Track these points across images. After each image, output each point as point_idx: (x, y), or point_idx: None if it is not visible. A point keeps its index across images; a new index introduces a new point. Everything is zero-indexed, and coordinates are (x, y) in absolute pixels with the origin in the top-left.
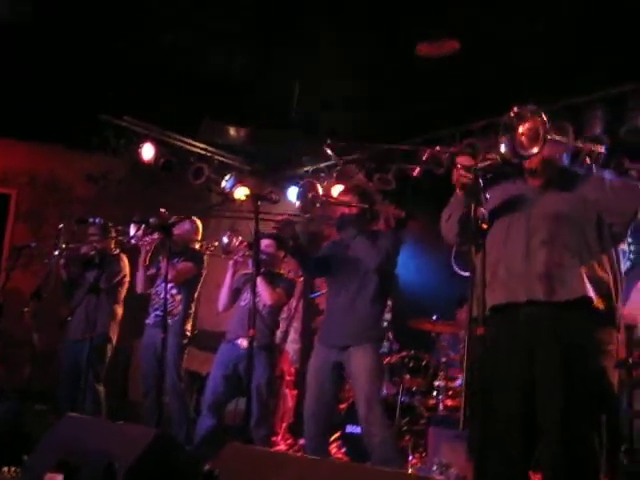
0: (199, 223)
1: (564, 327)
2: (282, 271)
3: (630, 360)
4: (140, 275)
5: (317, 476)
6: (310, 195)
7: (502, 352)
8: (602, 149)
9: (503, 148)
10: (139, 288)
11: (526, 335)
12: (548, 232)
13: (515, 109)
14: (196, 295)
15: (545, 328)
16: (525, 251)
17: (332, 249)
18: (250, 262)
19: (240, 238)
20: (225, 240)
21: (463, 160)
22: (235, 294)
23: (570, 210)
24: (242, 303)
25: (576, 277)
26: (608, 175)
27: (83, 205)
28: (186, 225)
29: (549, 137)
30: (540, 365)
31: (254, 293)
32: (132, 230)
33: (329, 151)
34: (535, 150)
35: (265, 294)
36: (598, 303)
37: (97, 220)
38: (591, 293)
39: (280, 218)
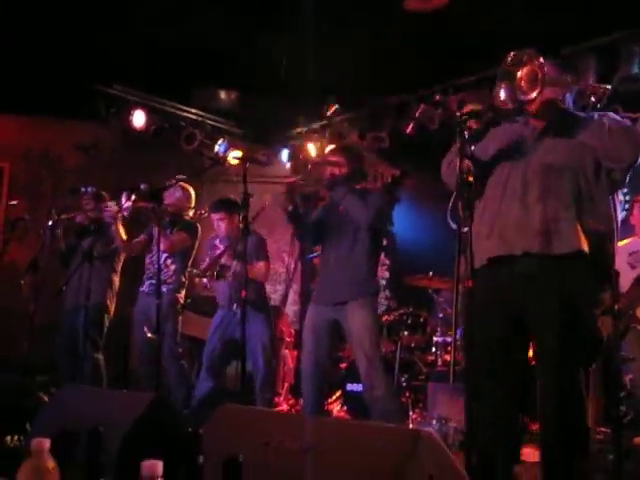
0: (191, 190)
1: (559, 277)
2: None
3: (616, 308)
4: (119, 241)
5: (311, 433)
6: (300, 156)
7: (492, 301)
8: (607, 87)
9: (502, 94)
10: (122, 251)
11: (521, 285)
12: (543, 187)
13: (512, 53)
14: (189, 263)
15: (540, 278)
16: (521, 206)
17: (323, 211)
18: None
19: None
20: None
21: (470, 106)
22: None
23: (567, 159)
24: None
25: (571, 231)
26: (609, 119)
27: (76, 175)
28: (177, 193)
29: (547, 78)
30: (534, 312)
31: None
32: (124, 199)
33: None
34: (534, 94)
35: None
36: (592, 255)
37: (89, 189)
38: (585, 246)
39: (288, 181)
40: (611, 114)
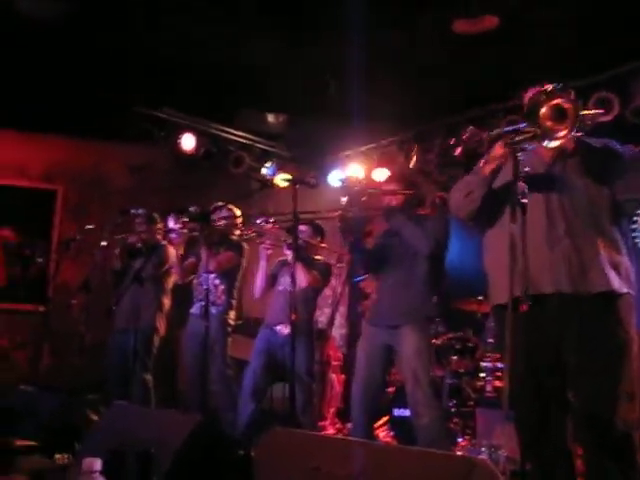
0: (237, 211)
1: (592, 315)
2: (318, 257)
3: None
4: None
5: (362, 459)
6: (354, 187)
7: (531, 333)
8: (600, 111)
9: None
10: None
11: (555, 323)
12: (568, 222)
13: (529, 93)
14: (237, 284)
15: (574, 319)
16: (547, 241)
17: (382, 239)
18: (285, 248)
19: (273, 220)
20: (258, 221)
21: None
22: (271, 280)
23: (588, 190)
24: (279, 288)
25: (599, 267)
26: (619, 146)
27: (125, 197)
28: (224, 213)
29: (580, 114)
30: (572, 351)
31: (294, 278)
32: (171, 222)
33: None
34: (563, 132)
35: (300, 276)
36: (620, 287)
37: (140, 211)
38: (615, 282)
39: (336, 214)
40: (614, 141)
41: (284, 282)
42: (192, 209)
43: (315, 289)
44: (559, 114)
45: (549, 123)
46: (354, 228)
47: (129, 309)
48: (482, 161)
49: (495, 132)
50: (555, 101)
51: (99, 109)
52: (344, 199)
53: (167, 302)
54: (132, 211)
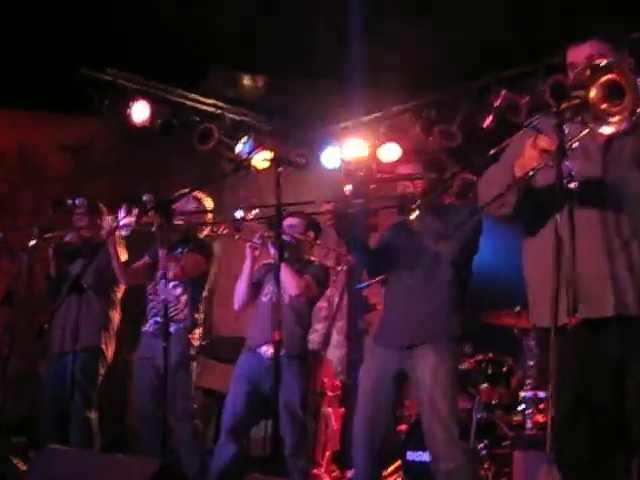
0: (207, 201)
1: None
2: (312, 257)
3: None
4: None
5: None
6: (361, 174)
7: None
8: None
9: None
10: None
11: (614, 352)
12: (629, 227)
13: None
14: (205, 294)
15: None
16: (605, 249)
17: (392, 235)
18: (271, 247)
19: (256, 211)
20: (238, 216)
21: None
22: (254, 288)
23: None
24: (263, 298)
25: None
26: None
27: (60, 183)
28: (190, 204)
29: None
30: (634, 384)
31: (278, 284)
32: (122, 213)
33: None
34: (622, 115)
35: (289, 282)
36: None
37: (79, 201)
38: None
39: (326, 207)
40: None
41: (270, 291)
42: (146, 198)
43: (308, 299)
44: (614, 92)
45: (601, 105)
46: (352, 224)
47: (66, 327)
48: (515, 159)
49: (529, 123)
50: (607, 77)
51: (24, 71)
52: (348, 188)
53: (116, 317)
54: (69, 201)
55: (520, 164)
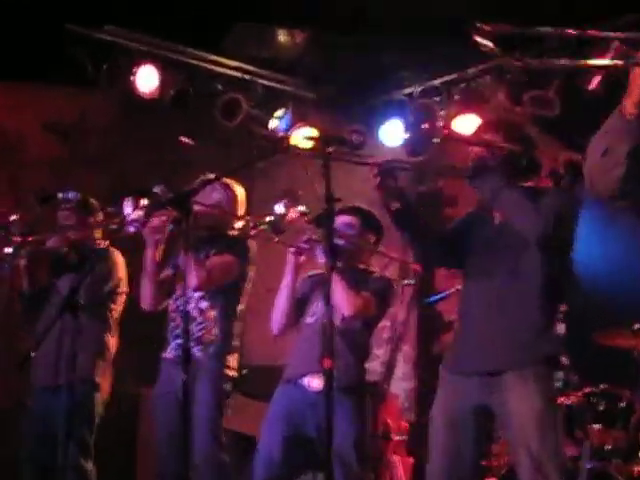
0: (238, 189)
1: None
2: (372, 267)
3: None
4: (146, 283)
5: None
6: (426, 126)
7: None
8: None
9: None
10: (146, 302)
11: None
12: None
13: None
14: (240, 308)
15: None
16: None
17: (467, 222)
18: (319, 254)
19: (302, 209)
20: (279, 211)
21: None
22: (298, 306)
23: None
24: (309, 319)
25: None
26: None
27: (46, 171)
28: (216, 195)
29: None
30: None
31: (329, 302)
32: (127, 208)
33: (482, 41)
34: None
35: (343, 300)
36: None
37: (71, 194)
38: None
39: (376, 161)
40: None
41: (317, 310)
42: (159, 189)
43: (367, 320)
44: None
45: None
46: (398, 190)
47: (56, 355)
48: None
49: None
50: None
51: (2, 31)
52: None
53: (112, 342)
54: (59, 195)
55: (630, 100)
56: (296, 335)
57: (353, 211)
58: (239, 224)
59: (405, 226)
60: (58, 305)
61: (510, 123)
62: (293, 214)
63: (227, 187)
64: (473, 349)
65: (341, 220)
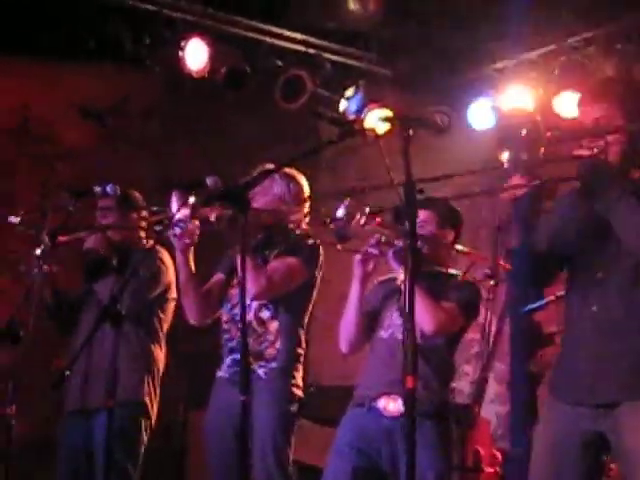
0: (302, 180)
1: None
2: (452, 269)
3: None
4: (186, 293)
5: None
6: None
7: None
8: None
9: None
10: (192, 316)
11: None
12: None
13: None
14: (306, 319)
15: None
16: None
17: (566, 218)
18: (391, 258)
19: (368, 210)
20: (340, 213)
21: None
22: (369, 320)
23: None
24: (383, 334)
25: None
26: None
27: (82, 162)
28: (277, 188)
29: None
30: None
31: (412, 314)
32: (174, 204)
33: None
34: None
35: (424, 315)
36: None
37: (109, 188)
38: None
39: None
40: None
41: (393, 324)
42: (211, 182)
43: (451, 336)
44: None
45: None
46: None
47: (92, 373)
48: None
49: None
50: None
51: (27, 5)
52: (506, 156)
53: (161, 356)
54: (96, 189)
55: None
56: (368, 352)
57: (427, 204)
58: (304, 222)
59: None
60: (97, 315)
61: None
62: (360, 219)
63: (290, 178)
64: (581, 375)
65: (419, 216)
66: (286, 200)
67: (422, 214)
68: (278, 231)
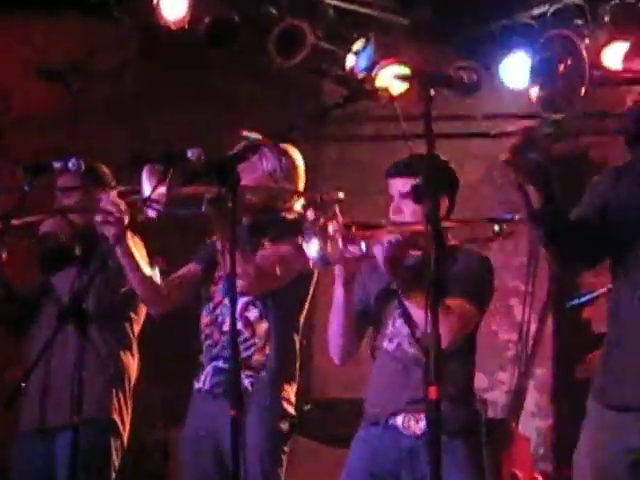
0: (295, 154)
1: None
2: (452, 241)
3: None
4: (137, 276)
5: None
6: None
7: None
8: None
9: None
10: (151, 309)
11: None
12: None
13: None
14: (302, 321)
15: None
16: None
17: (621, 196)
18: (379, 254)
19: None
20: (309, 217)
21: None
22: (361, 320)
23: None
24: (387, 345)
25: None
26: None
27: (38, 132)
28: (267, 163)
29: None
30: None
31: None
32: (145, 180)
33: None
34: None
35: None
36: None
37: (72, 163)
38: None
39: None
40: None
41: (397, 332)
42: (192, 153)
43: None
44: None
45: None
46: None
47: (55, 386)
48: None
49: None
50: None
51: None
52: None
53: (132, 364)
54: (56, 164)
55: None
56: (372, 363)
57: (408, 171)
58: (299, 203)
59: (545, 222)
60: (56, 315)
61: None
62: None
63: (282, 153)
64: (627, 375)
65: (394, 187)
66: (277, 177)
67: (402, 183)
68: (268, 214)
